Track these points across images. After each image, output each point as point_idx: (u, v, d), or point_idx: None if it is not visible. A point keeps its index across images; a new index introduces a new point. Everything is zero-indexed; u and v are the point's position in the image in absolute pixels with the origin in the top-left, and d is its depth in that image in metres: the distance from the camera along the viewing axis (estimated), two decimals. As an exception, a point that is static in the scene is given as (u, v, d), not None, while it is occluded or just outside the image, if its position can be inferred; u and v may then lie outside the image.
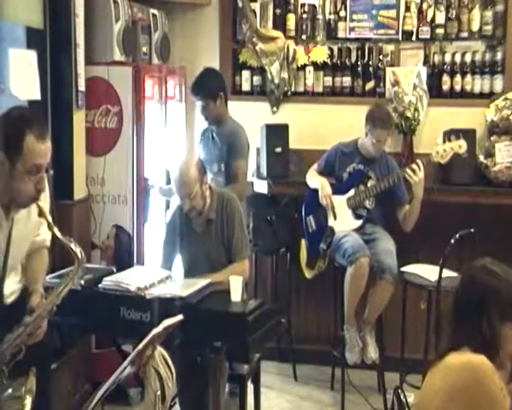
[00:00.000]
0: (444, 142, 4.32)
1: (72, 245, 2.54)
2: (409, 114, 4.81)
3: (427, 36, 4.95)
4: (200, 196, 3.62)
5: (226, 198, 3.74)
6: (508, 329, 2.17)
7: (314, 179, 4.57)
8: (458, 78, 4.94)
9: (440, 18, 4.93)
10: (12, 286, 2.69)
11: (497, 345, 2.17)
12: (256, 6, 5.14)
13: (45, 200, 2.66)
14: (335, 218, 4.46)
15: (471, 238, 3.90)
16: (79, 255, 2.54)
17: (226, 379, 3.50)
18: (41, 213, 2.55)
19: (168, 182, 4.58)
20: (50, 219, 2.60)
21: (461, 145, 4.25)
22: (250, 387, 3.65)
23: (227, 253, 3.68)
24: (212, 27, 5.20)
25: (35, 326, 2.54)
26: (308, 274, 4.62)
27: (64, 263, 2.96)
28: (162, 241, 3.83)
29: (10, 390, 2.39)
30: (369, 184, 4.44)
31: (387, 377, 4.47)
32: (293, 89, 5.14)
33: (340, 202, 4.46)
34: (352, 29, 5.08)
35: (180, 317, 2.64)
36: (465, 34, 4.94)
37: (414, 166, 4.23)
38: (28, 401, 2.39)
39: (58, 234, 2.56)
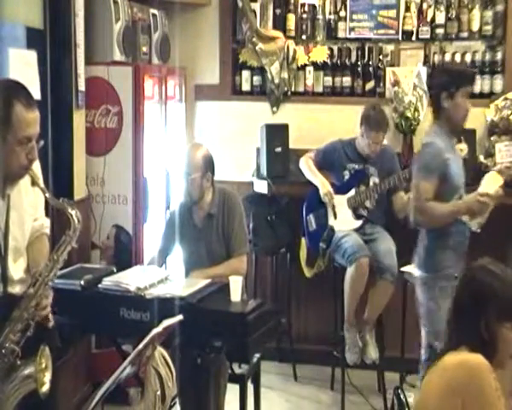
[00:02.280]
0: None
1: (68, 208, 2.57)
2: (409, 114, 4.81)
3: (427, 36, 4.95)
4: (198, 186, 3.65)
5: (227, 194, 3.78)
6: (505, 329, 2.17)
7: (312, 174, 4.58)
8: (458, 78, 4.94)
9: (440, 18, 4.93)
10: (20, 273, 2.65)
11: (495, 345, 2.18)
12: (256, 6, 5.14)
13: (37, 169, 2.65)
14: (335, 217, 4.47)
15: (471, 238, 3.89)
16: (75, 217, 2.56)
17: (226, 379, 3.51)
18: (33, 182, 2.56)
19: (168, 182, 4.58)
20: (43, 185, 2.61)
21: (462, 149, 4.25)
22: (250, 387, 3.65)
23: (227, 247, 3.70)
24: (212, 27, 5.20)
25: (40, 296, 2.51)
26: (308, 273, 4.63)
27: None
28: (161, 233, 3.86)
29: (32, 369, 2.36)
30: (370, 184, 4.45)
31: (387, 377, 4.48)
32: (293, 89, 5.14)
33: (341, 201, 4.47)
34: (351, 29, 5.07)
35: (180, 317, 2.64)
36: (465, 34, 4.94)
37: None
38: (47, 378, 2.38)
39: (51, 198, 2.59)
